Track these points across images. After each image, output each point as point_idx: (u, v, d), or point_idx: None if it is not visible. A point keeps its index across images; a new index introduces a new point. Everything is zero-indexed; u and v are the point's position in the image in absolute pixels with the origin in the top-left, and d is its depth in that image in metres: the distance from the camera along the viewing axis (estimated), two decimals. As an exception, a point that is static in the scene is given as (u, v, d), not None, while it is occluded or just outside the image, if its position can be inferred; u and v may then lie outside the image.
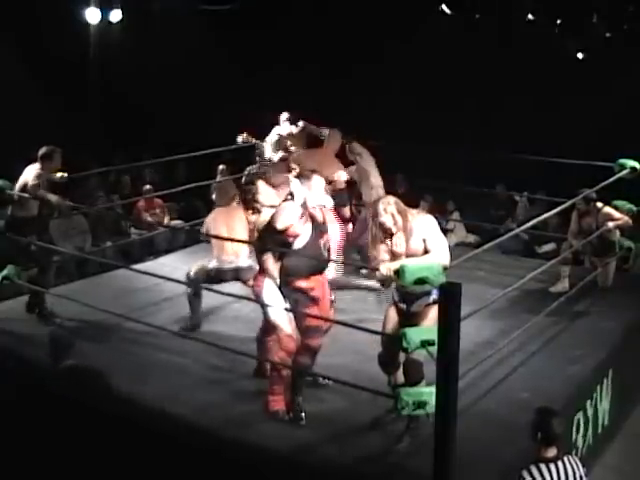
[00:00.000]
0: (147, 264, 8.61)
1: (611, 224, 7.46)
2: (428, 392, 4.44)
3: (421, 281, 4.45)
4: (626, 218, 7.54)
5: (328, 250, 5.39)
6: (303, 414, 5.28)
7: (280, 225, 5.21)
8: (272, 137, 8.67)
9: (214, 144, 9.31)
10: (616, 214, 7.53)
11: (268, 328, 5.54)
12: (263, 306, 5.44)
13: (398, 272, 4.47)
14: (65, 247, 7.87)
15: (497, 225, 10.19)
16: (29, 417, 5.93)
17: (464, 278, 4.83)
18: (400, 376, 5.08)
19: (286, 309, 5.33)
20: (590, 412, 6.03)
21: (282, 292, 5.34)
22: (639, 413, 6.99)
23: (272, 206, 5.52)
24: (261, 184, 6.05)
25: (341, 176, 7.01)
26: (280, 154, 8.28)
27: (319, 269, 5.33)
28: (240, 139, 8.98)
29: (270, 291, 5.39)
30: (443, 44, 11.82)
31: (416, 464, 4.61)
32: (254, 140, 8.88)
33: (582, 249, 7.65)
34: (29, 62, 11.73)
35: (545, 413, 4.24)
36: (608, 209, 7.54)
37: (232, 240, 6.37)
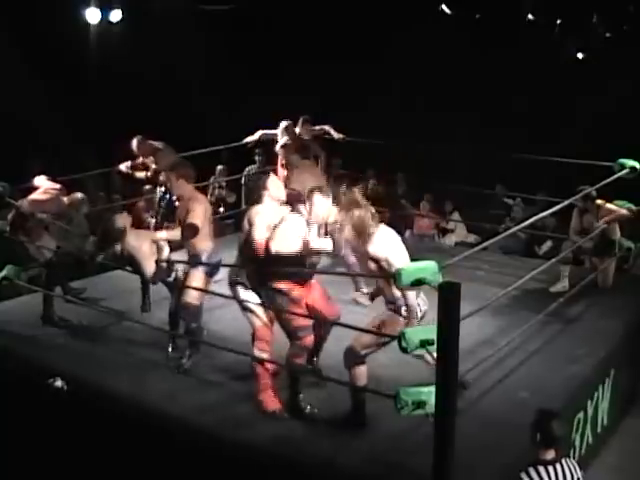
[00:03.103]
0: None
1: (602, 221, 7.45)
2: (427, 392, 4.44)
3: (419, 282, 4.45)
4: (623, 211, 7.51)
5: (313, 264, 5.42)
6: (309, 407, 5.33)
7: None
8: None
9: (213, 144, 9.32)
10: (614, 208, 7.50)
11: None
12: (239, 301, 5.50)
13: (395, 275, 4.47)
14: (65, 247, 7.86)
15: (496, 225, 10.18)
16: (29, 416, 5.94)
17: (464, 278, 4.83)
18: (357, 376, 5.13)
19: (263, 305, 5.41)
20: (590, 412, 6.04)
21: (261, 293, 5.41)
22: (638, 412, 6.99)
23: (278, 199, 5.55)
24: (273, 178, 5.97)
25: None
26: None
27: (301, 277, 5.36)
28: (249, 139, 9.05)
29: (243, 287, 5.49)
30: (443, 44, 11.83)
31: (416, 464, 4.60)
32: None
33: (582, 248, 7.64)
34: (29, 62, 11.72)
35: (545, 415, 4.23)
36: (608, 206, 7.54)
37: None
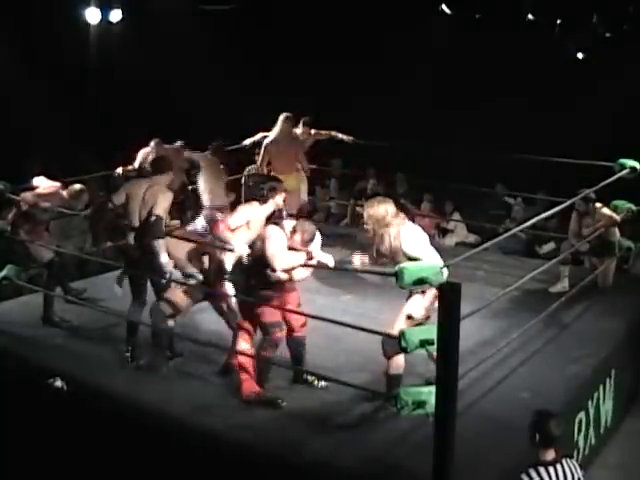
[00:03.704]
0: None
1: (592, 228, 7.45)
2: (427, 392, 4.44)
3: (421, 281, 4.45)
4: (615, 217, 7.49)
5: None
6: (279, 400, 5.42)
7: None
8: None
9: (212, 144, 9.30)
10: (608, 213, 7.50)
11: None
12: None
13: (397, 274, 4.47)
14: (65, 247, 7.87)
15: (496, 225, 10.18)
16: (29, 416, 5.93)
17: (464, 278, 4.83)
18: (396, 366, 5.19)
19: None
20: (592, 412, 6.03)
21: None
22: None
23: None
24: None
25: None
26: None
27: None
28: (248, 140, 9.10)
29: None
30: (443, 44, 11.82)
31: (415, 464, 4.60)
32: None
33: (582, 249, 7.64)
34: (29, 62, 11.72)
35: (542, 415, 4.23)
36: (605, 210, 7.53)
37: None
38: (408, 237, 5.20)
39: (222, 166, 8.42)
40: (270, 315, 5.44)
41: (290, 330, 5.62)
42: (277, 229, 5.42)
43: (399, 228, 5.20)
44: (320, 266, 5.49)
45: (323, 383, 5.70)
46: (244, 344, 5.53)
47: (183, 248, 5.94)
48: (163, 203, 5.94)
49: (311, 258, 5.39)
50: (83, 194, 7.28)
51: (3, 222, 7.54)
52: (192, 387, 5.74)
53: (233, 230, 5.44)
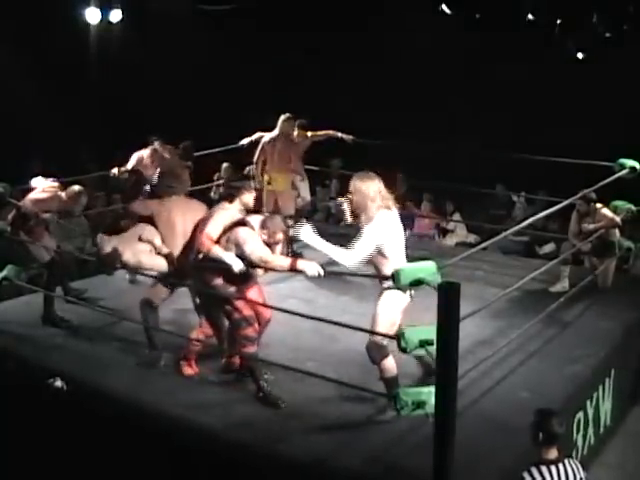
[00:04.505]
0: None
1: (591, 226, 7.45)
2: (427, 392, 4.45)
3: (418, 282, 4.46)
4: (617, 219, 7.49)
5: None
6: (279, 400, 5.43)
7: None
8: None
9: (214, 144, 9.32)
10: (609, 214, 7.50)
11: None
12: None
13: (394, 275, 4.48)
14: (65, 248, 7.88)
15: (497, 225, 10.18)
16: (29, 417, 5.94)
17: (464, 278, 4.83)
18: (387, 369, 5.16)
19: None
20: (591, 412, 6.03)
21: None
22: (639, 411, 7.00)
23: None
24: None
25: None
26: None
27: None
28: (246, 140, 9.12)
29: None
30: (443, 44, 11.83)
31: (416, 464, 4.60)
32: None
33: (583, 249, 7.64)
34: (29, 62, 11.73)
35: (545, 413, 4.24)
36: (605, 210, 7.53)
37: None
38: (374, 223, 5.08)
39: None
40: (243, 310, 5.51)
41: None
42: (249, 230, 5.46)
43: (377, 211, 5.13)
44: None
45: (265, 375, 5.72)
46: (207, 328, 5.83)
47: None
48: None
49: (296, 258, 5.43)
50: (82, 196, 7.25)
51: (3, 222, 7.55)
52: (191, 386, 5.75)
53: (215, 241, 5.48)
